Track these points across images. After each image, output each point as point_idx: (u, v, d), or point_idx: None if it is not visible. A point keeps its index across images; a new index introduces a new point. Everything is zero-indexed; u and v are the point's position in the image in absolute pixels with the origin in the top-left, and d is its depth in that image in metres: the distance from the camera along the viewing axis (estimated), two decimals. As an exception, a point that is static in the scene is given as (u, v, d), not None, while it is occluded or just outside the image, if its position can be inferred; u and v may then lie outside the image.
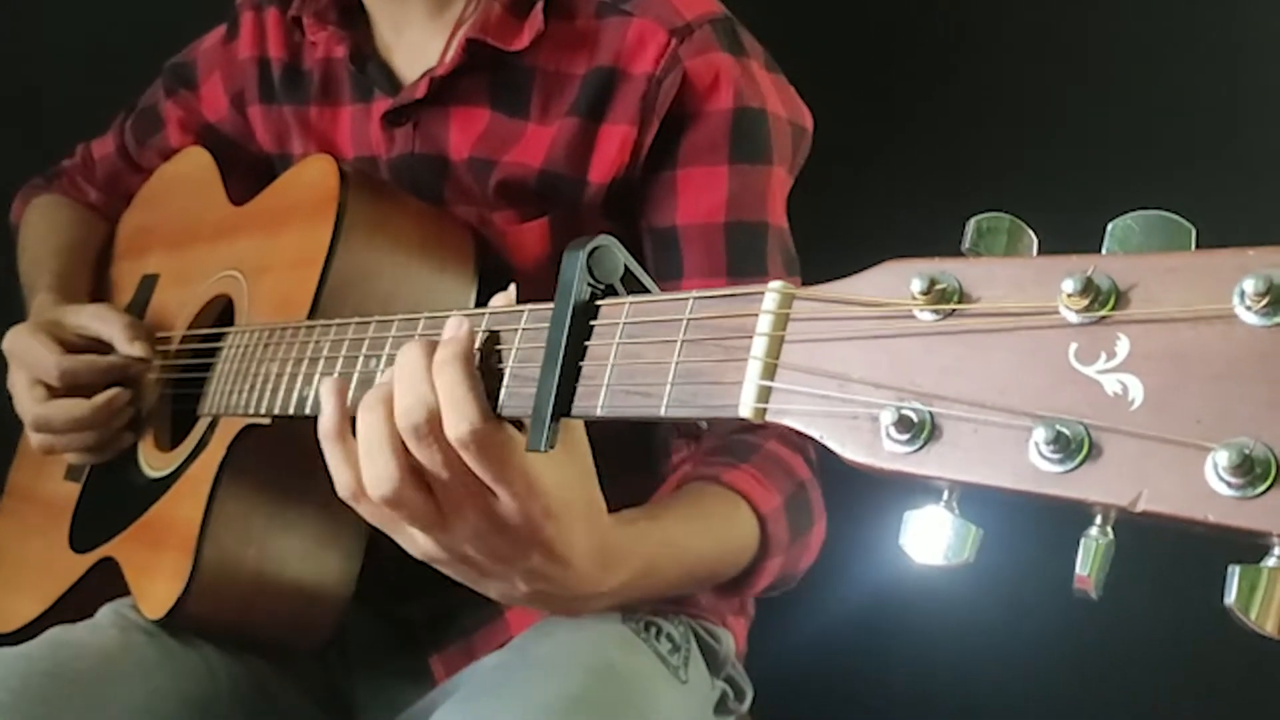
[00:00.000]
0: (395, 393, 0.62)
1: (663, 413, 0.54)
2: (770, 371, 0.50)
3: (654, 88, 0.92)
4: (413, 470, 0.63)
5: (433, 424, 0.61)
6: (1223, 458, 0.38)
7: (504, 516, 0.63)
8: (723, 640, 1.01)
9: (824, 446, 0.48)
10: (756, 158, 0.93)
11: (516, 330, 0.63)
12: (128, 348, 1.04)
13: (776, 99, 0.96)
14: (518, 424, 0.62)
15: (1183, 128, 1.30)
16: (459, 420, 0.60)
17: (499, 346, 0.63)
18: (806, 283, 0.51)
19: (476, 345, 0.63)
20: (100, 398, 1.01)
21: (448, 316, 0.68)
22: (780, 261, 0.95)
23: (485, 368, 0.63)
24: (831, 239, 1.02)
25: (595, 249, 0.59)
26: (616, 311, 0.58)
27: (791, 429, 0.49)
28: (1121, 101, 1.33)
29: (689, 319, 0.54)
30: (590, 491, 0.67)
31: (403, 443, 0.62)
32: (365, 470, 0.63)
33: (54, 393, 1.03)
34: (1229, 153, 1.28)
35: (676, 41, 0.92)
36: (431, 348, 0.62)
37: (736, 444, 0.90)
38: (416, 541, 0.66)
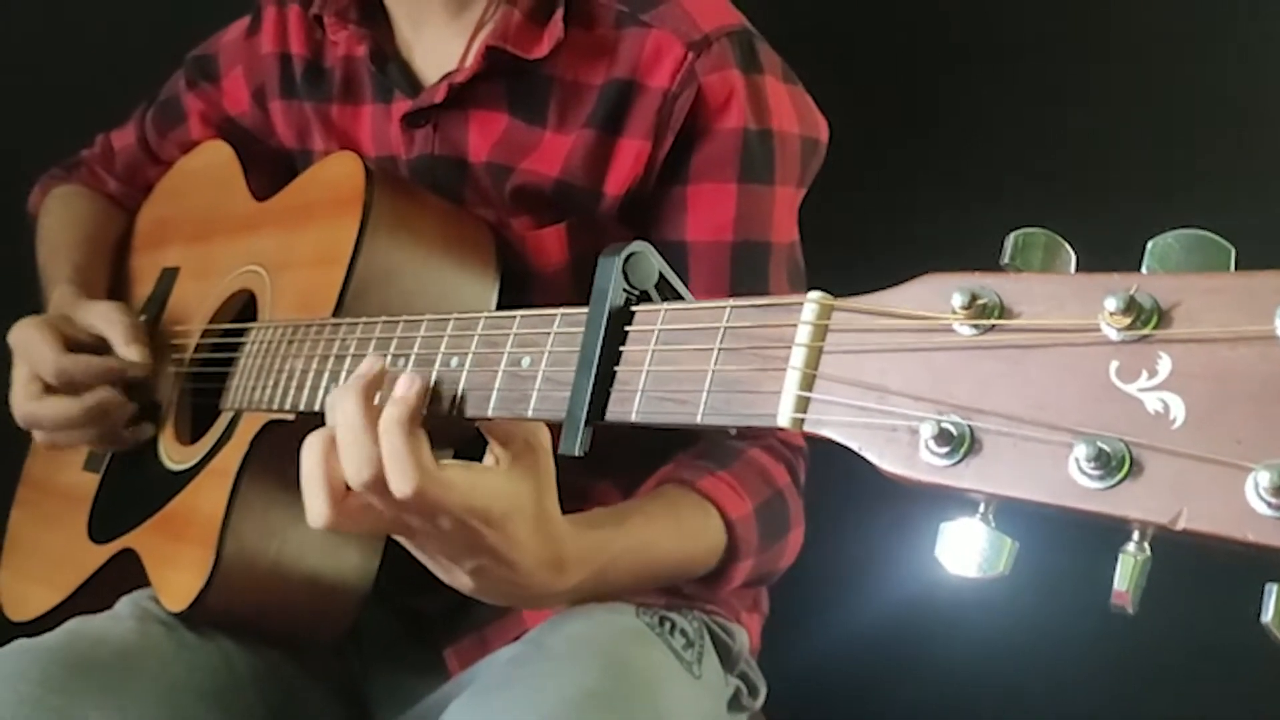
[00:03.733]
0: (339, 445, 0.66)
1: (699, 420, 0.54)
2: (809, 382, 0.50)
3: (669, 103, 0.93)
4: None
5: (377, 482, 0.65)
6: (1264, 478, 0.38)
7: (445, 531, 0.67)
8: (737, 636, 1.02)
9: (861, 457, 0.48)
10: (763, 178, 0.95)
11: (549, 334, 0.64)
12: (124, 350, 1.04)
13: (789, 115, 0.96)
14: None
15: (1215, 138, 1.29)
16: (403, 482, 0.64)
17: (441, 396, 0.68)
18: (839, 295, 0.52)
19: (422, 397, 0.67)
20: (89, 399, 1.02)
21: (478, 317, 0.69)
22: (785, 277, 0.96)
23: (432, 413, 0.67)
24: (862, 249, 1.03)
25: (631, 255, 0.60)
26: (652, 317, 0.58)
27: (822, 438, 0.50)
28: (1153, 112, 1.32)
29: (726, 327, 0.55)
30: (544, 504, 0.70)
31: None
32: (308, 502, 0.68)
33: (51, 390, 1.03)
34: (1263, 166, 1.27)
35: (693, 56, 0.92)
36: (367, 402, 0.66)
37: (718, 449, 0.93)
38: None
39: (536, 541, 0.70)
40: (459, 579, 0.71)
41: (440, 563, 0.71)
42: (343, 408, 0.66)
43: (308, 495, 0.67)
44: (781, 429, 0.51)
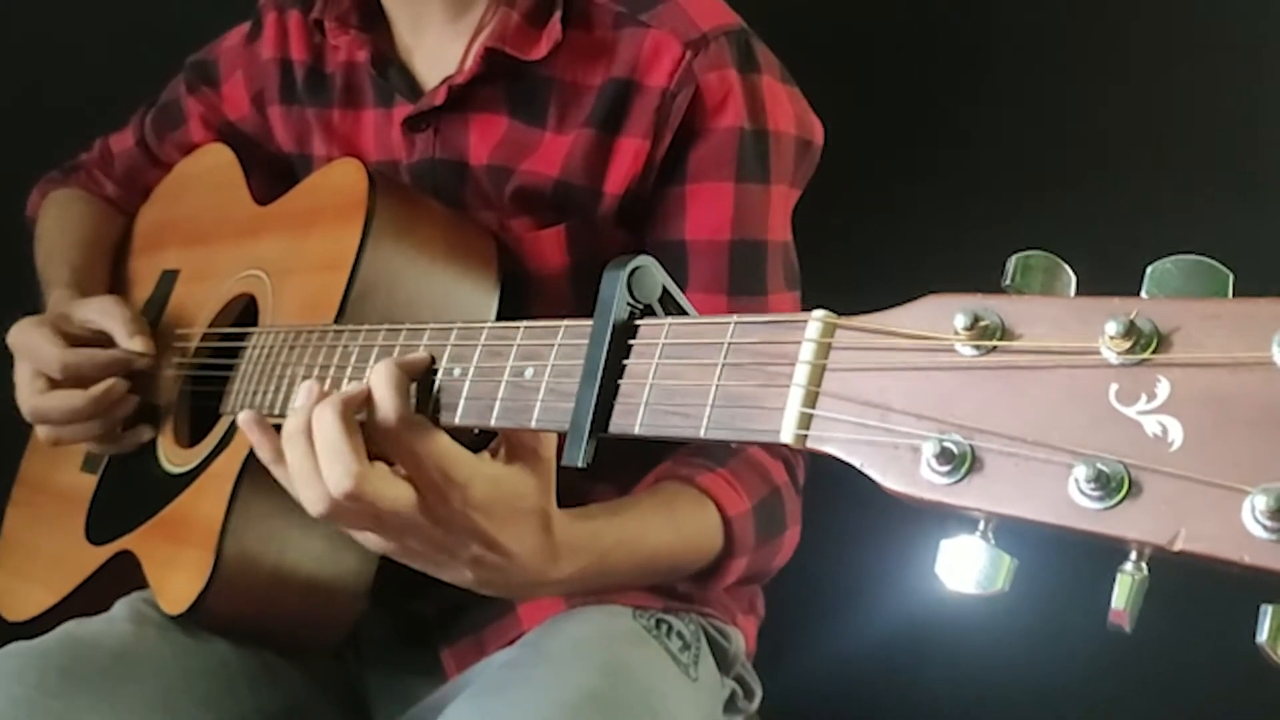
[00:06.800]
0: (319, 458, 0.69)
1: (702, 434, 0.55)
2: (812, 399, 0.51)
3: (668, 101, 0.93)
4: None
5: (358, 493, 0.67)
6: (1260, 502, 0.39)
7: (430, 510, 0.68)
8: (733, 639, 1.03)
9: (863, 474, 0.49)
10: (760, 178, 0.95)
11: (553, 345, 0.64)
12: (127, 342, 1.05)
13: (785, 115, 0.97)
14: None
15: (1217, 150, 1.28)
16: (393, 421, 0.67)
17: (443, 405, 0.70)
18: (844, 311, 0.53)
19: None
20: (96, 389, 1.02)
21: (481, 327, 0.70)
22: (781, 276, 0.97)
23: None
24: (861, 256, 1.03)
25: (636, 269, 0.60)
26: (656, 331, 0.59)
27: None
28: (1158, 122, 1.32)
29: (730, 343, 0.55)
30: (543, 503, 0.72)
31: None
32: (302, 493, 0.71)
33: (55, 385, 1.04)
34: (1266, 179, 1.27)
35: (691, 55, 0.93)
36: (346, 418, 0.68)
37: (717, 447, 0.92)
38: (368, 539, 0.72)
39: (534, 534, 0.72)
40: (459, 572, 0.73)
41: (435, 559, 0.72)
42: (320, 418, 0.68)
43: (304, 483, 0.70)
44: (785, 445, 0.51)
